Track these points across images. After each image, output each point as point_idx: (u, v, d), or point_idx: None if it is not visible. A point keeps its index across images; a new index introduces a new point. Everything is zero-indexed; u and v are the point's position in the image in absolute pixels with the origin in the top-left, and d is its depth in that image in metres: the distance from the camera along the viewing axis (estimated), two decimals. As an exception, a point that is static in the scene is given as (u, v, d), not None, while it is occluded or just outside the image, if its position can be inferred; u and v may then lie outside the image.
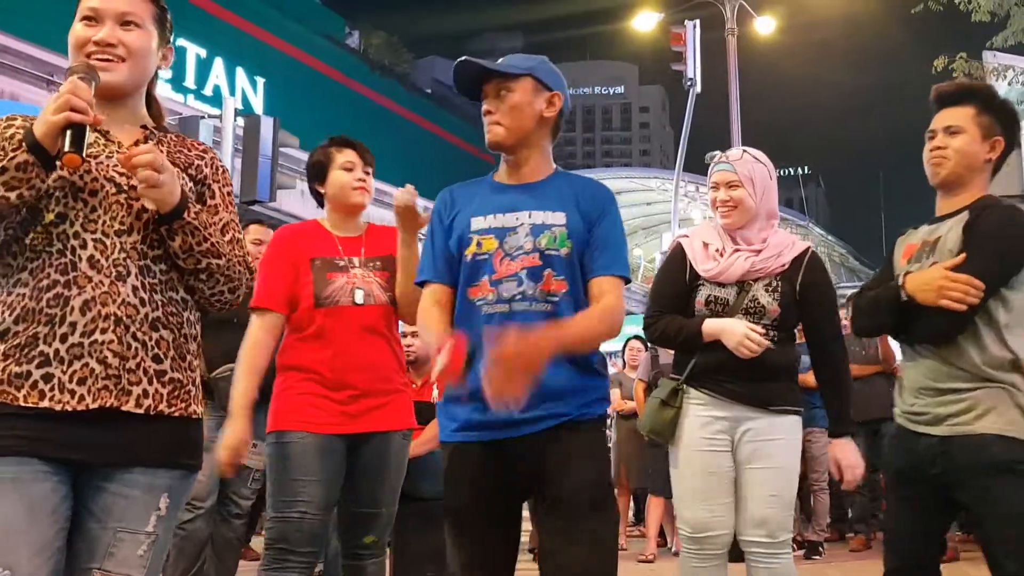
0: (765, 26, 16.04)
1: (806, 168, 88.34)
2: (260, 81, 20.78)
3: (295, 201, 16.31)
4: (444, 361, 1.94)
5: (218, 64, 19.95)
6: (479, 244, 2.16)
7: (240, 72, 20.46)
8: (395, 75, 31.09)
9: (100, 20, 1.78)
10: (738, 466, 2.71)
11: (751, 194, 2.75)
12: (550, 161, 2.28)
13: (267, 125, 8.56)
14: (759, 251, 2.74)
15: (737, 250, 2.75)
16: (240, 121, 9.02)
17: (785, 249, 2.76)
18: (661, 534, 6.63)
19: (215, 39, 19.33)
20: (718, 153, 3.18)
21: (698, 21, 14.80)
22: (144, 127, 1.87)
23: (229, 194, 1.94)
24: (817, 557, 6.28)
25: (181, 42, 18.38)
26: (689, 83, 14.68)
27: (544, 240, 2.14)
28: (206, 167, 1.90)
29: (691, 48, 14.57)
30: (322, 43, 25.86)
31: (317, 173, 2.97)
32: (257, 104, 20.12)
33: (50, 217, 1.69)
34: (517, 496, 2.16)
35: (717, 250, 2.77)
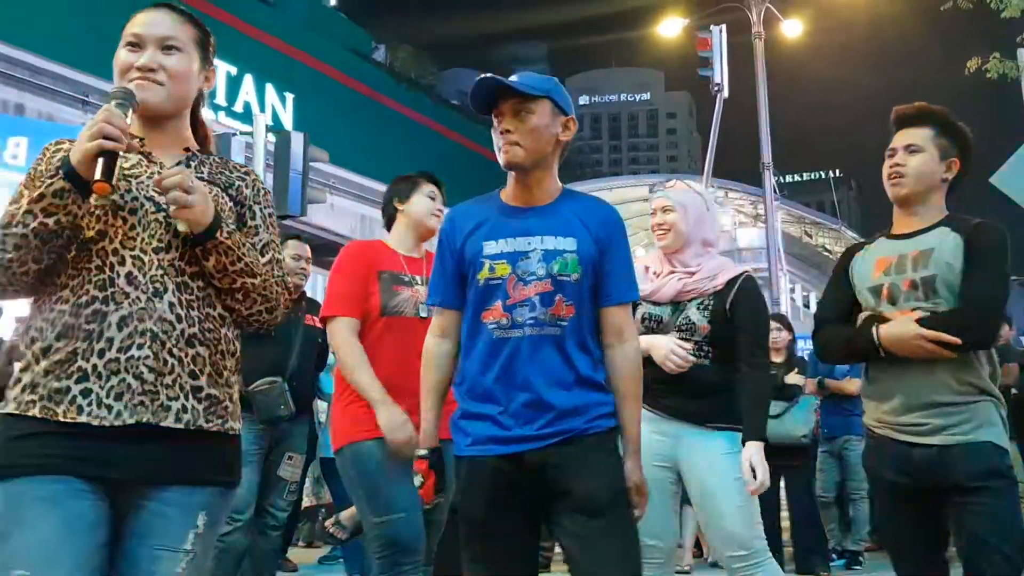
0: (792, 29, 15.92)
1: (837, 171, 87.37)
2: (289, 97, 21.00)
3: (324, 215, 16.45)
4: (420, 482, 2.23)
5: (248, 81, 20.20)
6: (492, 269, 2.19)
7: (270, 88, 20.69)
8: (421, 87, 31.27)
9: (143, 45, 1.83)
10: (686, 484, 2.86)
11: (683, 219, 2.99)
12: (557, 181, 2.31)
13: (297, 140, 8.65)
14: (693, 273, 2.95)
15: (672, 272, 2.98)
16: (271, 137, 9.12)
17: (720, 272, 2.96)
18: (697, 545, 6.59)
19: (245, 56, 19.57)
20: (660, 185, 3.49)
21: (724, 26, 14.73)
22: (187, 149, 1.91)
23: (270, 215, 1.97)
24: (858, 567, 6.19)
25: (217, 61, 18.61)
26: (716, 88, 14.61)
27: (556, 266, 2.18)
28: (247, 188, 1.93)
29: (718, 53, 14.50)
30: (349, 58, 26.08)
31: (402, 192, 3.17)
32: (287, 119, 20.34)
33: (90, 234, 1.73)
34: (535, 507, 2.19)
35: (655, 272, 3.01)
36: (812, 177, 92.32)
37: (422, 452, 2.29)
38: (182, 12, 1.91)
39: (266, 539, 4.18)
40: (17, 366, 1.82)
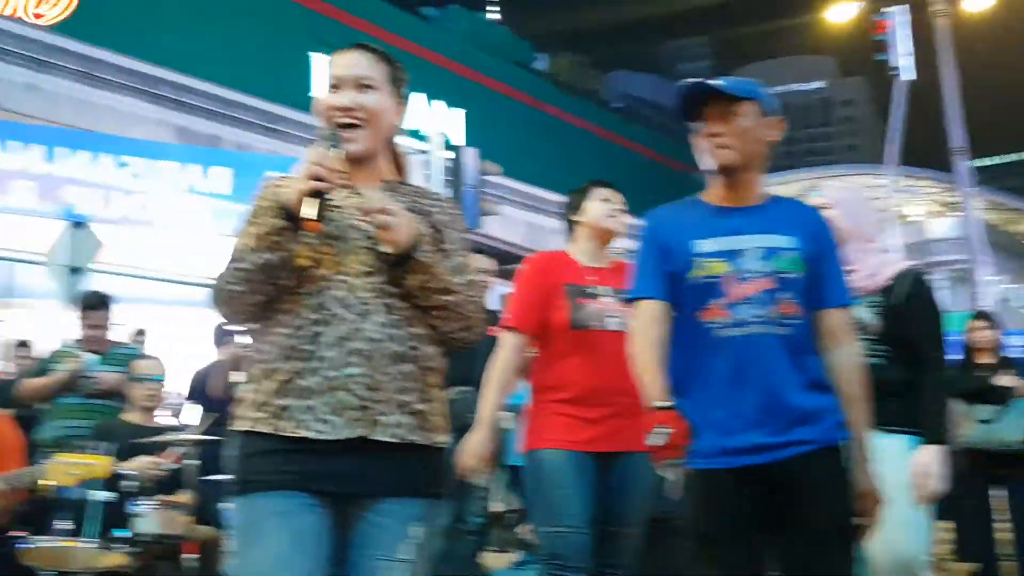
0: (975, 3, 14.81)
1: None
2: (460, 112, 21.58)
3: (495, 224, 16.80)
4: (664, 438, 2.04)
5: (421, 100, 20.91)
6: (706, 267, 2.16)
7: (440, 105, 21.33)
8: (583, 93, 31.38)
9: (342, 87, 1.96)
10: None
11: (841, 217, 2.85)
12: (763, 185, 2.28)
13: (470, 156, 8.91)
14: (854, 271, 2.79)
15: None
16: (445, 154, 9.42)
17: (882, 269, 2.82)
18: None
19: (416, 76, 20.26)
20: None
21: (903, 6, 13.92)
22: (387, 180, 2.02)
23: (464, 239, 2.05)
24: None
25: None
26: (895, 72, 13.84)
27: (778, 263, 2.13)
28: (442, 215, 2.02)
29: (896, 35, 13.73)
30: (513, 70, 26.50)
31: (574, 203, 3.17)
32: (458, 135, 20.90)
33: (303, 262, 1.86)
34: (765, 523, 2.13)
35: None
36: (1013, 159, 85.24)
37: (662, 403, 2.12)
38: (376, 51, 2.02)
39: (460, 544, 4.32)
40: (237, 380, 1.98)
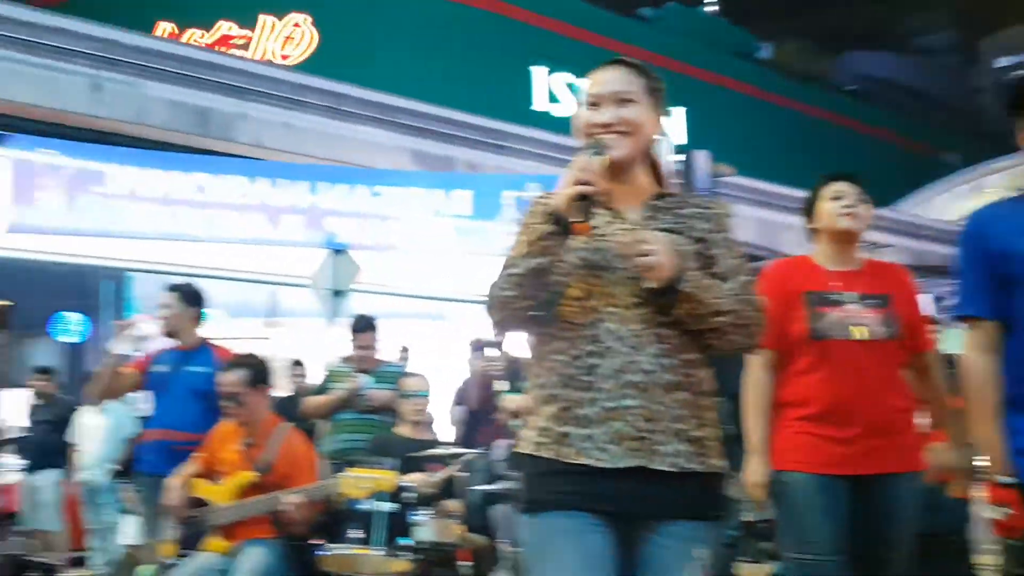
0: None
1: None
2: (681, 111, 21.29)
3: (739, 228, 16.31)
4: (1004, 516, 1.89)
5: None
6: None
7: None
8: (814, 79, 29.90)
9: (601, 104, 2.01)
10: None
11: None
12: None
13: (701, 159, 8.80)
14: None
15: None
16: (676, 157, 9.34)
17: None
18: None
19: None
20: None
21: None
22: (655, 195, 2.04)
23: (732, 239, 2.03)
24: None
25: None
26: None
27: None
28: (705, 222, 2.02)
29: None
30: (734, 62, 25.78)
31: (806, 209, 3.01)
32: (681, 135, 20.62)
33: (576, 293, 1.93)
34: None
35: None
36: None
37: (1006, 479, 2.05)
38: (632, 64, 2.05)
39: (717, 556, 4.29)
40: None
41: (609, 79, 2.02)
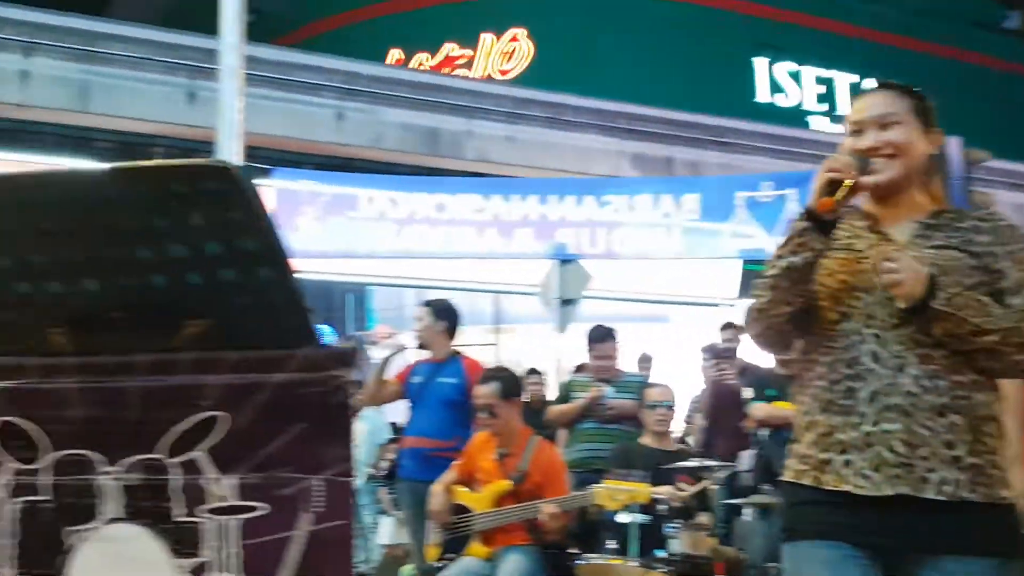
0: None
1: None
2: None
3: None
4: None
5: (870, 87, 19.73)
6: None
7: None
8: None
9: (864, 129, 1.96)
10: None
11: None
12: None
13: (953, 146, 8.20)
14: None
15: None
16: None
17: None
18: None
19: (866, 64, 19.17)
20: None
21: None
22: (930, 213, 1.96)
23: (1019, 251, 1.89)
24: None
25: (831, 72, 18.59)
26: None
27: None
28: (982, 235, 1.91)
29: None
30: (977, 34, 23.79)
31: None
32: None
33: (833, 316, 1.88)
34: None
35: None
36: None
37: None
38: (895, 87, 2.01)
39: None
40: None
41: (870, 104, 2.00)
